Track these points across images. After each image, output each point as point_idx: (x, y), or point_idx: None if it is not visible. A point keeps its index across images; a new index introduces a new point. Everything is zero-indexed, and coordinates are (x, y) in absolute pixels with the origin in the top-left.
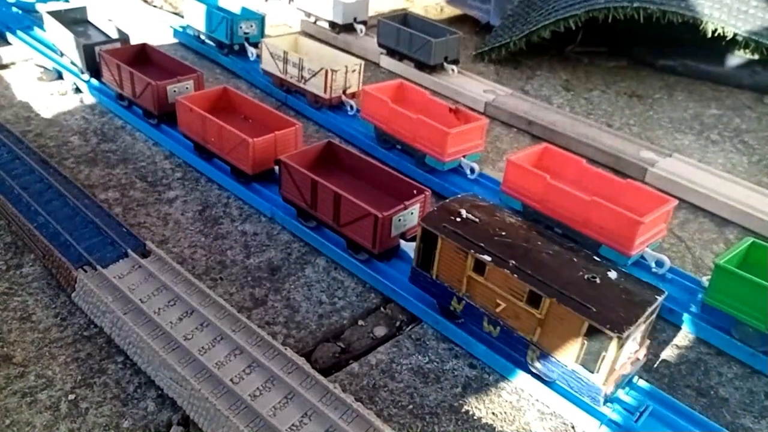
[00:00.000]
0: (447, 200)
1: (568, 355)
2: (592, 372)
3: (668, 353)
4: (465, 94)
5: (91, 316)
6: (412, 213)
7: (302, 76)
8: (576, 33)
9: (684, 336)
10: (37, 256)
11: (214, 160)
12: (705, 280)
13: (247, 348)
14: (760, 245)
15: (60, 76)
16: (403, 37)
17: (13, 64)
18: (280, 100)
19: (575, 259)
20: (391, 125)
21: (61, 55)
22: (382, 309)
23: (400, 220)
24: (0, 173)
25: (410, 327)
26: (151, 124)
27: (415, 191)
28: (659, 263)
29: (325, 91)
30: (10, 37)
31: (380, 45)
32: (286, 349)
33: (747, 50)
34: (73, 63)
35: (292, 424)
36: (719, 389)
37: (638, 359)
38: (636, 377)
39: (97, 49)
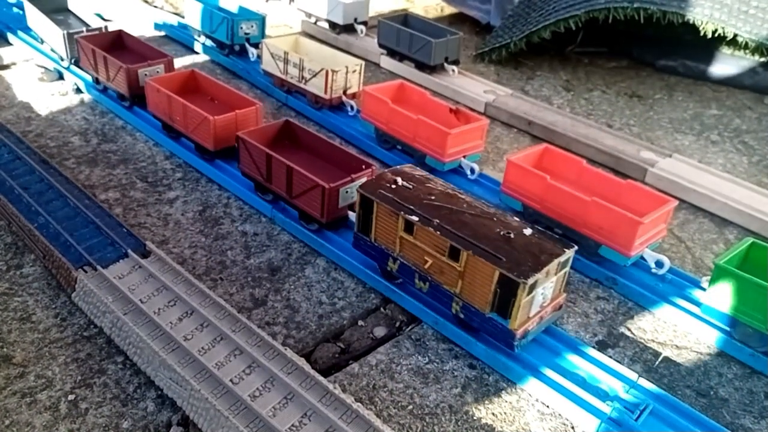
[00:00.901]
0: (385, 170)
1: (485, 303)
2: (506, 318)
3: (668, 353)
4: (465, 95)
5: (91, 316)
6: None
7: (303, 77)
8: (576, 33)
9: (684, 336)
10: (37, 256)
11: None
12: (705, 280)
13: (247, 348)
14: (760, 245)
15: (61, 77)
16: (404, 37)
17: (13, 64)
18: (280, 100)
19: (495, 219)
20: (392, 126)
21: (42, 42)
22: (382, 309)
23: (347, 191)
24: (1, 173)
25: (410, 327)
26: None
27: (363, 166)
28: (659, 263)
29: (325, 92)
30: (10, 37)
31: (380, 45)
32: (286, 349)
33: (747, 51)
34: (53, 50)
35: (292, 425)
36: (719, 389)
37: (556, 309)
38: (637, 377)
39: (75, 36)
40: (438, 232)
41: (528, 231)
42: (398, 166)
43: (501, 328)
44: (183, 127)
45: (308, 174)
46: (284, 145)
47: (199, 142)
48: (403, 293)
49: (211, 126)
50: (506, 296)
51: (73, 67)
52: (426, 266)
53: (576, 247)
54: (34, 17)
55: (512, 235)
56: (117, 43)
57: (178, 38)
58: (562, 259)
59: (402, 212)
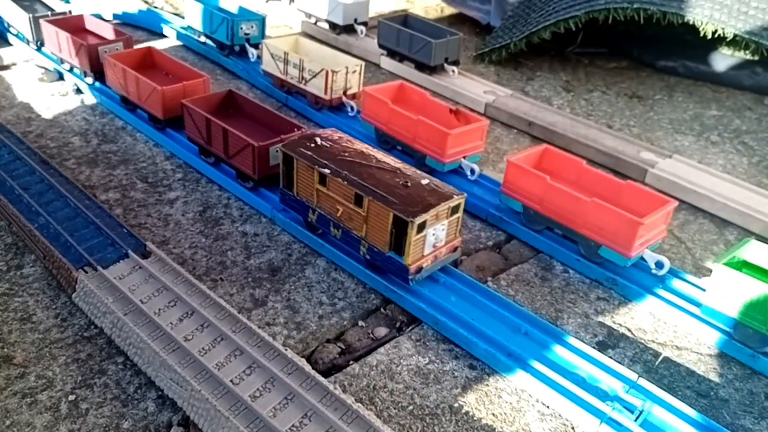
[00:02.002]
0: (308, 132)
1: (384, 243)
2: (401, 255)
3: (668, 354)
4: (465, 95)
5: (91, 316)
6: None
7: (303, 77)
8: (576, 34)
9: (684, 336)
10: (37, 256)
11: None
12: (705, 281)
13: (247, 349)
14: (760, 246)
15: (61, 77)
16: (404, 38)
17: (14, 64)
18: (280, 100)
19: (398, 172)
20: (392, 126)
21: (9, 26)
22: (382, 310)
23: (277, 151)
24: (1, 174)
25: (410, 328)
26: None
27: (295, 129)
28: (659, 264)
29: (325, 92)
30: (10, 37)
31: (381, 46)
32: (286, 349)
33: (747, 51)
34: (20, 35)
35: (292, 425)
36: (719, 390)
37: (451, 251)
38: (637, 377)
39: (40, 19)
40: (345, 182)
41: (425, 181)
42: (321, 129)
43: (398, 264)
44: (136, 98)
45: (240, 134)
46: (228, 113)
47: (151, 111)
48: (403, 293)
49: (160, 96)
50: (400, 235)
51: (44, 49)
52: (338, 214)
53: (465, 195)
54: (2, 3)
55: (409, 184)
56: (79, 26)
57: (146, 25)
58: (451, 204)
59: (317, 166)
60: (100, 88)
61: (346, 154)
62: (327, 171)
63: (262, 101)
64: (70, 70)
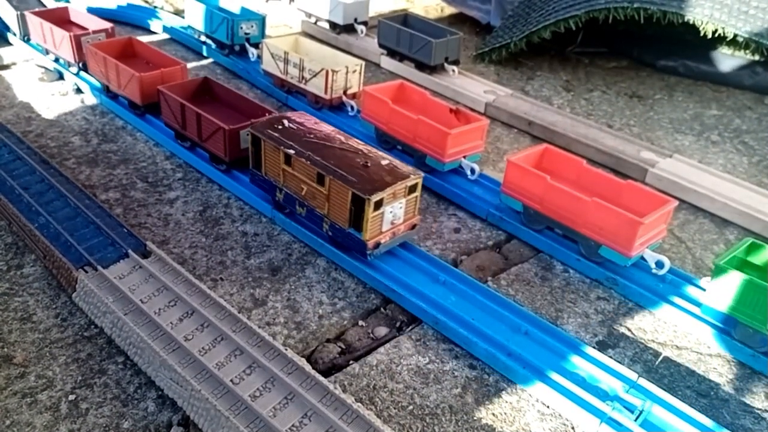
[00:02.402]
0: (277, 114)
1: (345, 220)
2: (360, 231)
3: (668, 354)
4: (465, 95)
5: (91, 316)
6: None
7: (303, 77)
8: (576, 33)
9: (684, 336)
10: (37, 256)
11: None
12: (705, 280)
13: (247, 348)
14: (760, 246)
15: (61, 77)
16: (404, 37)
17: (14, 64)
18: (280, 100)
19: (360, 153)
20: (392, 126)
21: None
22: (382, 310)
23: (248, 134)
24: (1, 173)
25: (410, 328)
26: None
27: (267, 113)
28: (659, 264)
29: (325, 92)
30: (10, 37)
31: (381, 45)
32: (286, 349)
33: (747, 51)
34: (8, 28)
35: (292, 425)
36: (719, 390)
37: (410, 229)
38: (637, 377)
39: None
40: (309, 162)
41: (385, 162)
42: (290, 112)
43: (357, 240)
44: (117, 85)
45: (212, 118)
46: (205, 100)
47: (130, 97)
48: (403, 293)
49: (138, 82)
50: (358, 212)
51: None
52: (303, 193)
53: (423, 174)
54: None
55: (369, 164)
56: (63, 18)
57: (132, 21)
58: (409, 183)
59: (282, 147)
60: (101, 89)
61: (312, 136)
62: (292, 151)
63: (238, 89)
64: (56, 60)
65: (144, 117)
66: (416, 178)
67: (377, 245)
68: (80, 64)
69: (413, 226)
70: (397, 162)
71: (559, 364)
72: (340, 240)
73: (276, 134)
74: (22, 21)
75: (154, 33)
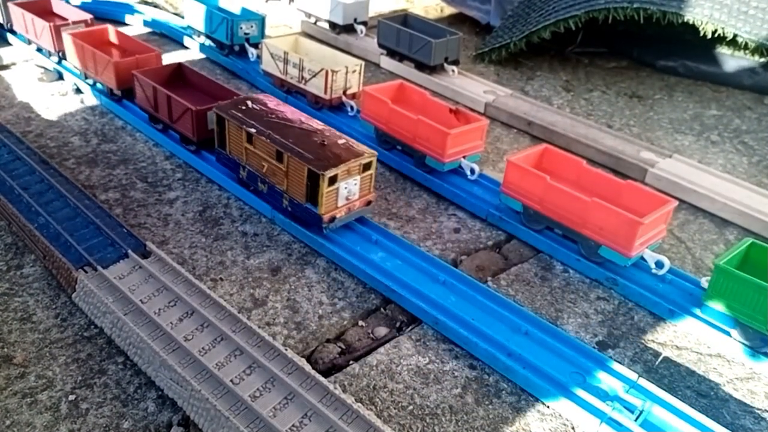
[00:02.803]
0: (242, 96)
1: (302, 195)
2: (316, 206)
3: (668, 354)
4: (465, 95)
5: (91, 316)
6: None
7: (302, 77)
8: (576, 34)
9: (684, 336)
10: (37, 256)
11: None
12: (705, 281)
13: (247, 349)
14: (760, 246)
15: (60, 77)
16: (404, 37)
17: (13, 64)
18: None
19: (318, 133)
20: (392, 126)
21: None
22: (382, 310)
23: (213, 115)
24: (1, 174)
25: (410, 328)
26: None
27: (234, 96)
28: (659, 264)
29: (325, 92)
30: (10, 37)
31: (380, 46)
32: (286, 349)
33: (747, 51)
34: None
35: (292, 425)
36: (719, 390)
37: (365, 205)
38: (637, 377)
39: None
40: (269, 140)
41: (341, 141)
42: (255, 94)
43: (313, 214)
44: (94, 72)
45: (181, 100)
46: (178, 85)
47: (106, 84)
48: (403, 293)
49: (114, 68)
50: (314, 187)
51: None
52: (263, 170)
53: (377, 153)
54: None
55: (326, 143)
56: (46, 9)
57: (108, 15)
58: (362, 161)
59: (245, 126)
60: (101, 89)
61: (273, 116)
62: (253, 130)
63: (210, 74)
64: (38, 50)
65: (121, 102)
66: (370, 156)
67: (333, 219)
68: (60, 54)
69: (368, 203)
70: (353, 142)
71: (559, 364)
72: (299, 215)
73: (239, 114)
74: (5, 10)
75: (129, 25)
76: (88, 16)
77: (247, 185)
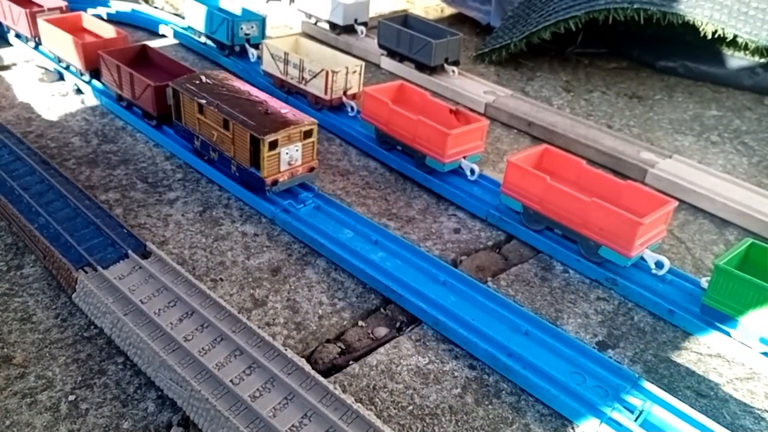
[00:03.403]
0: (197, 72)
1: (247, 160)
2: (259, 169)
3: (668, 354)
4: (465, 95)
5: (91, 317)
6: None
7: (303, 77)
8: (576, 34)
9: (684, 336)
10: (37, 257)
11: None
12: (705, 281)
13: (247, 349)
14: (760, 246)
15: (61, 78)
16: (404, 38)
17: (14, 65)
18: (280, 100)
19: (263, 103)
20: (392, 126)
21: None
22: (382, 310)
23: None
24: (1, 174)
25: (410, 328)
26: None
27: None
28: (659, 264)
29: (325, 92)
30: (11, 38)
31: (381, 46)
32: (286, 349)
33: (747, 51)
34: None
35: (292, 425)
36: (719, 390)
37: (308, 171)
38: (637, 377)
39: None
40: (217, 110)
41: (284, 110)
42: (210, 71)
43: (257, 177)
44: (64, 54)
45: (141, 77)
46: (142, 65)
47: (75, 64)
48: (403, 293)
49: (81, 49)
50: (256, 152)
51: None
52: (214, 139)
53: (317, 122)
54: None
55: (269, 112)
56: None
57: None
58: (303, 128)
59: (196, 98)
60: (102, 89)
61: (223, 89)
62: (203, 101)
63: (174, 56)
64: (17, 36)
65: (90, 83)
66: (310, 124)
67: (275, 182)
68: (36, 39)
69: (311, 169)
70: (296, 111)
71: (560, 364)
72: (245, 179)
73: (192, 88)
74: None
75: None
76: (63, 3)
77: (201, 155)
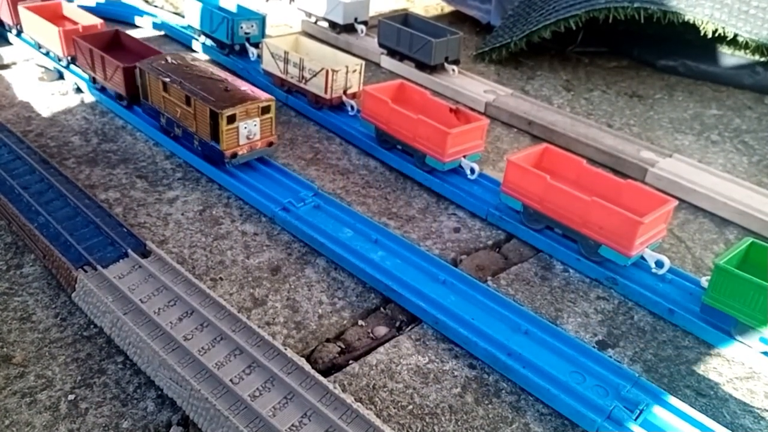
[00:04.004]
0: (163, 53)
1: (207, 134)
2: (218, 143)
3: (668, 353)
4: (465, 94)
5: (91, 316)
6: None
7: (303, 76)
8: (577, 33)
9: (684, 336)
10: (37, 256)
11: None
12: (705, 280)
13: (247, 348)
14: (760, 245)
15: (61, 76)
16: (404, 37)
17: (14, 64)
18: (280, 100)
19: (224, 81)
20: (392, 125)
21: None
22: (382, 309)
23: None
24: (1, 173)
25: (410, 327)
26: (13, 34)
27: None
28: (659, 263)
29: (325, 92)
30: (11, 37)
31: (381, 45)
32: (286, 349)
33: (747, 51)
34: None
35: (292, 425)
36: (719, 390)
37: (268, 145)
38: (637, 377)
39: None
40: (180, 87)
41: (244, 88)
42: (177, 53)
43: (217, 150)
44: (42, 40)
45: (112, 59)
46: (116, 49)
47: (53, 51)
48: (403, 293)
49: (59, 35)
50: (215, 126)
51: (74, 68)
52: (177, 115)
53: (274, 99)
54: None
55: (229, 89)
56: None
57: None
58: (260, 104)
59: (161, 77)
60: (102, 88)
61: (187, 68)
62: (167, 79)
63: (146, 41)
64: (0, 24)
65: (68, 68)
66: (268, 101)
67: (234, 155)
68: (18, 26)
69: (270, 144)
70: (255, 89)
71: (559, 364)
72: (207, 153)
73: (158, 68)
74: None
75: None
76: None
77: (167, 132)
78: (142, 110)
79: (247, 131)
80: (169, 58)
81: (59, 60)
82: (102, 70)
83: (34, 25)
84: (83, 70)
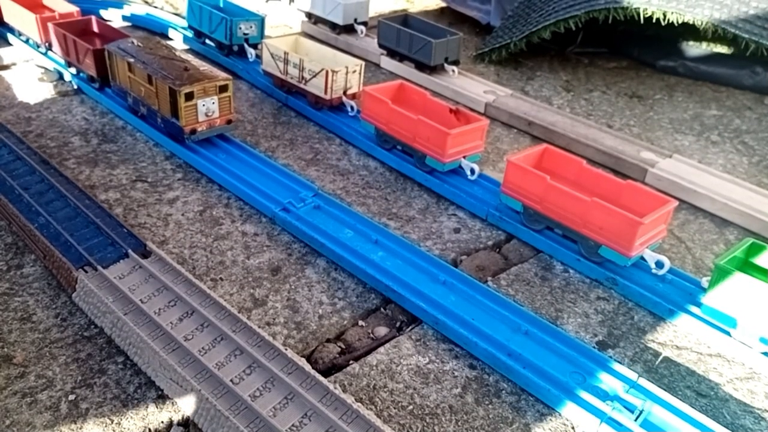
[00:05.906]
0: (130, 37)
1: (168, 111)
2: (178, 119)
3: (668, 353)
4: (465, 95)
5: (91, 316)
6: None
7: (303, 77)
8: (576, 34)
9: (684, 336)
10: (37, 256)
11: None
12: (705, 281)
13: (247, 348)
14: (760, 246)
15: (61, 77)
16: (404, 37)
17: (14, 64)
18: (280, 100)
19: (185, 62)
20: (392, 126)
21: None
22: (382, 309)
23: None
24: (1, 174)
25: (410, 328)
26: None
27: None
28: (659, 264)
29: (325, 92)
30: (10, 37)
31: (380, 46)
32: (286, 349)
33: (747, 51)
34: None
35: (292, 425)
36: (719, 390)
37: (227, 123)
38: (637, 377)
39: None
40: (143, 67)
41: (203, 68)
42: (143, 36)
43: (177, 126)
44: (24, 30)
45: (83, 42)
46: (90, 35)
47: (33, 38)
48: (403, 293)
49: (38, 22)
50: (174, 103)
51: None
52: (142, 94)
53: (231, 78)
54: None
55: (189, 69)
56: None
57: None
58: (218, 83)
59: (126, 58)
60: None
61: (151, 49)
62: (132, 59)
63: (120, 29)
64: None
65: (46, 54)
66: (225, 80)
67: (194, 131)
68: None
69: (229, 122)
70: (214, 69)
71: (560, 364)
72: (168, 129)
73: (123, 50)
74: None
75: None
76: None
77: (134, 111)
78: (112, 91)
79: (206, 108)
80: (134, 41)
81: (38, 47)
82: (75, 54)
83: (15, 13)
84: (67, 61)
